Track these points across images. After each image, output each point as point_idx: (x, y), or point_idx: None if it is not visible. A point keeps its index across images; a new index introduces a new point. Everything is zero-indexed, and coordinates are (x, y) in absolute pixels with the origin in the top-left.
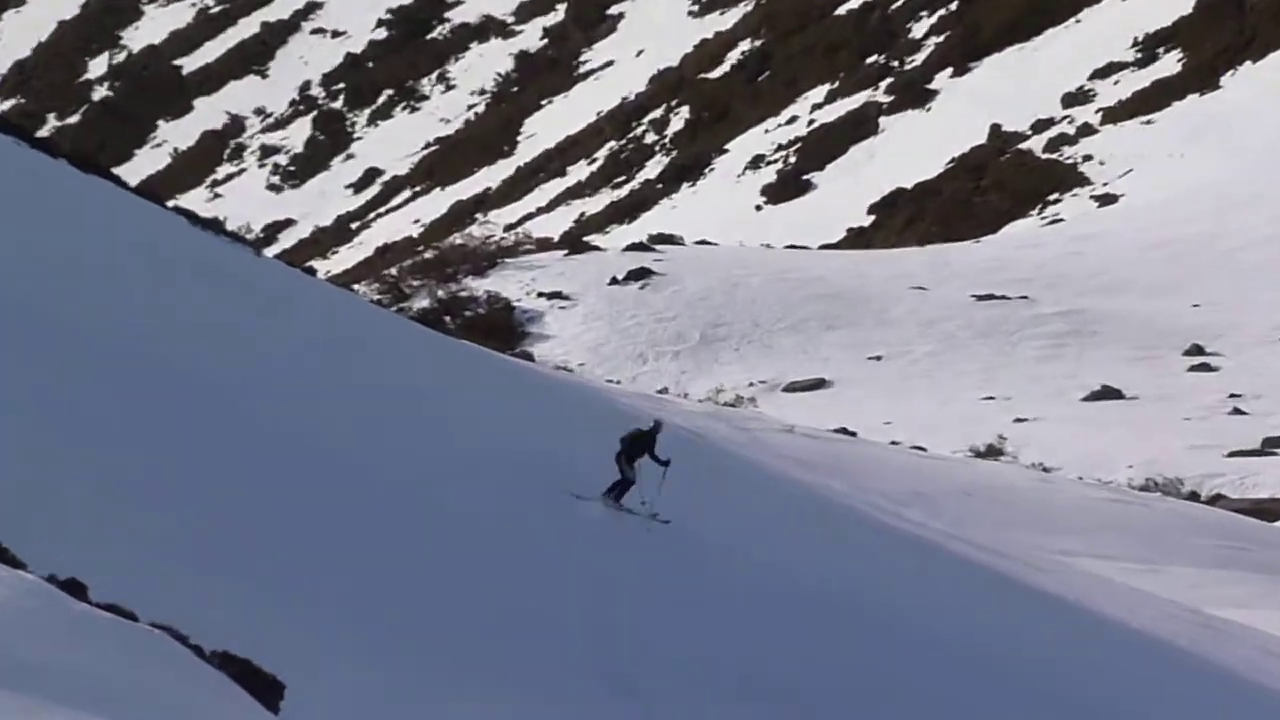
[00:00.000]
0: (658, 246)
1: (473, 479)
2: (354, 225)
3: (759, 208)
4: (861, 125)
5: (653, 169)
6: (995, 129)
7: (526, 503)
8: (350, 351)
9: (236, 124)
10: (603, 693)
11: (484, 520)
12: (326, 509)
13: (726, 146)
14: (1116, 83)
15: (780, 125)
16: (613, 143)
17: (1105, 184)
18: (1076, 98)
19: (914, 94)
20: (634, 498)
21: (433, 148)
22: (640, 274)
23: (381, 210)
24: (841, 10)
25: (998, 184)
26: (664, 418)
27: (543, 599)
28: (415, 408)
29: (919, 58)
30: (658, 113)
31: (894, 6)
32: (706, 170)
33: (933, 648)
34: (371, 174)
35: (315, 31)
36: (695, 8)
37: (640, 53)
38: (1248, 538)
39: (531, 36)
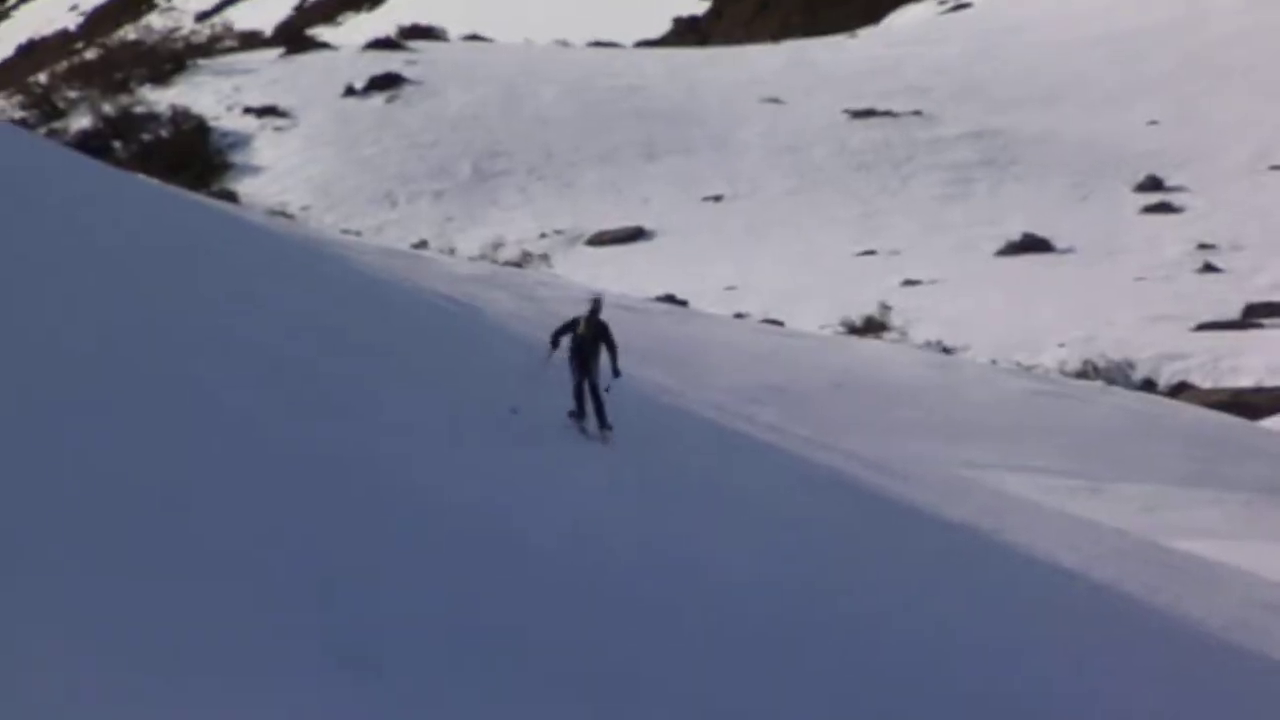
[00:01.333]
0: (410, 44)
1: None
2: None
3: None
4: None
5: None
6: None
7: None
8: None
9: None
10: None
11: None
12: None
13: None
14: None
15: None
16: None
17: None
18: None
19: None
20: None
21: None
22: (387, 82)
23: None
24: None
25: None
26: (600, 293)
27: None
28: (40, 292)
29: None
30: None
31: None
32: None
33: (770, 614)
34: None
35: None
36: None
37: None
38: (1223, 442)
39: None
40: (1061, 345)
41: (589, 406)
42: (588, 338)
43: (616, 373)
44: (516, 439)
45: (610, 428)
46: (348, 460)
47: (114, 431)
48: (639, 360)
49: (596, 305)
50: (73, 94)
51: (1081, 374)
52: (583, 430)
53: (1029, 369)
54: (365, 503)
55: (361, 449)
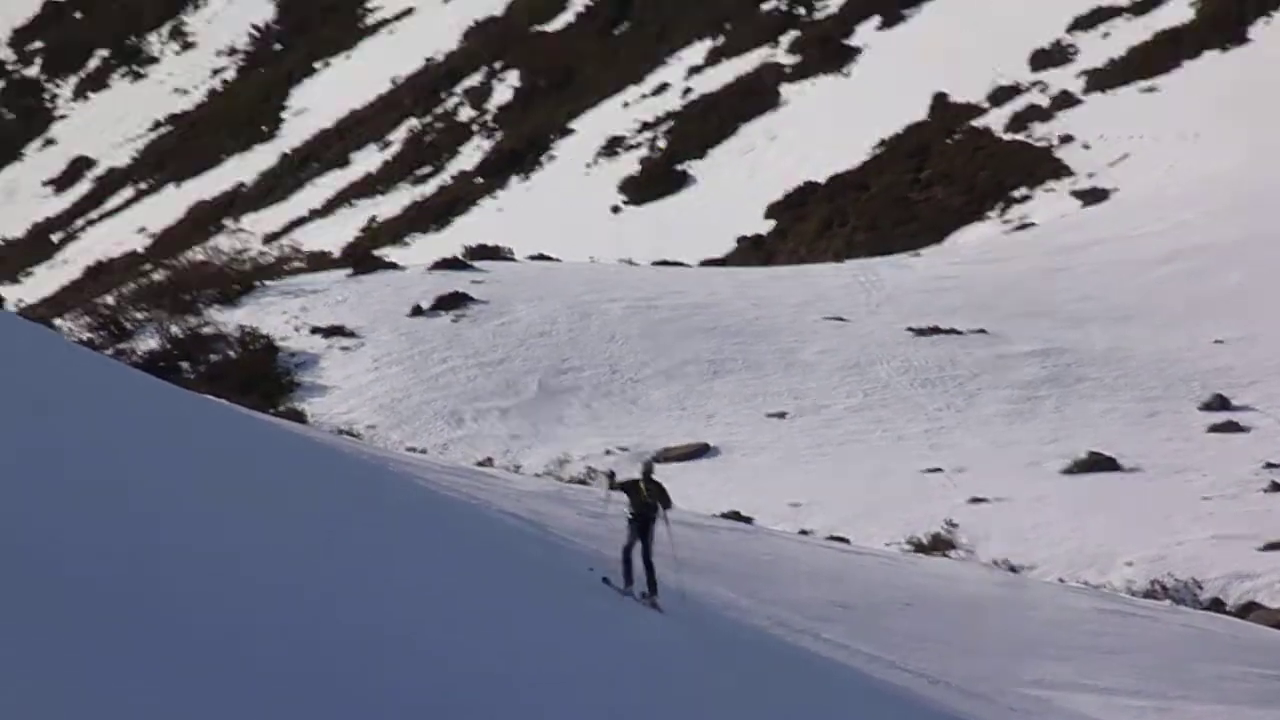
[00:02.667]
0: (478, 264)
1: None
2: (56, 236)
3: (617, 209)
4: (757, 96)
5: (470, 157)
6: (940, 100)
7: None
8: (36, 419)
9: None
10: None
11: None
12: None
13: (572, 126)
14: (1106, 35)
15: (645, 96)
16: (414, 120)
17: (1091, 175)
18: (1051, 56)
19: (829, 52)
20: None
21: (165, 129)
22: (454, 301)
23: (94, 216)
24: None
25: (945, 175)
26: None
27: None
28: (120, 506)
29: (834, 2)
30: (476, 79)
31: None
32: (544, 158)
33: None
34: (79, 165)
35: None
36: None
37: None
38: None
39: None
40: (1129, 564)
41: (639, 571)
42: (650, 502)
43: (668, 504)
44: (588, 665)
45: (657, 594)
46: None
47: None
48: (703, 575)
49: (649, 468)
50: (140, 315)
51: (1149, 593)
52: (626, 594)
53: (1096, 588)
54: None
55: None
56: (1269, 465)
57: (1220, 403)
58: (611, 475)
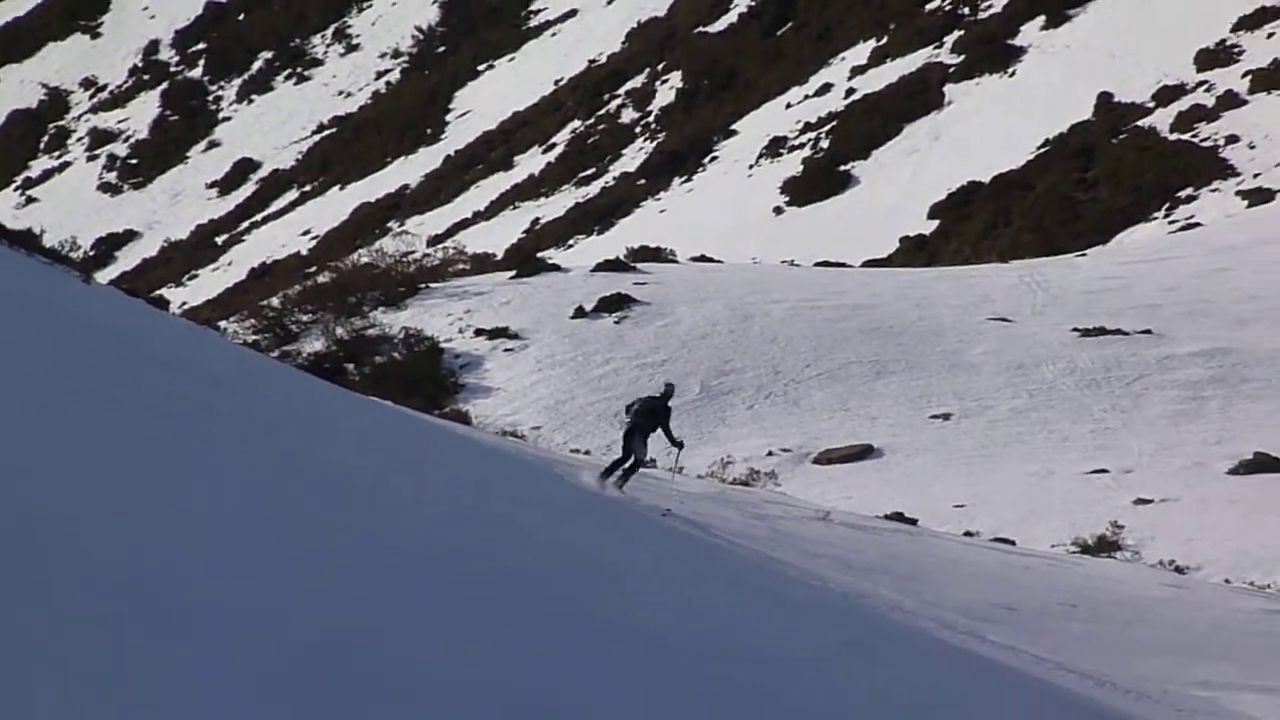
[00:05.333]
0: (640, 265)
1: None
2: (220, 239)
3: (779, 210)
4: (921, 96)
5: (633, 159)
6: (1105, 100)
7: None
8: (208, 420)
9: (58, 100)
10: None
11: None
12: None
13: (734, 127)
14: (1271, 35)
15: (808, 97)
16: (577, 122)
17: (1258, 175)
18: (1217, 56)
19: (993, 52)
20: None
21: (328, 131)
22: (617, 303)
23: (258, 218)
24: None
25: (1110, 175)
26: (672, 380)
27: None
28: (305, 504)
29: (998, 2)
30: (639, 80)
31: None
32: (707, 160)
33: None
34: (244, 168)
35: None
36: None
37: None
38: None
39: None
40: None
41: (613, 477)
42: (642, 414)
43: (674, 441)
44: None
45: (617, 485)
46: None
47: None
48: (868, 576)
49: (668, 391)
50: (305, 317)
51: None
52: (601, 486)
53: (1263, 588)
54: None
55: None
56: None
57: None
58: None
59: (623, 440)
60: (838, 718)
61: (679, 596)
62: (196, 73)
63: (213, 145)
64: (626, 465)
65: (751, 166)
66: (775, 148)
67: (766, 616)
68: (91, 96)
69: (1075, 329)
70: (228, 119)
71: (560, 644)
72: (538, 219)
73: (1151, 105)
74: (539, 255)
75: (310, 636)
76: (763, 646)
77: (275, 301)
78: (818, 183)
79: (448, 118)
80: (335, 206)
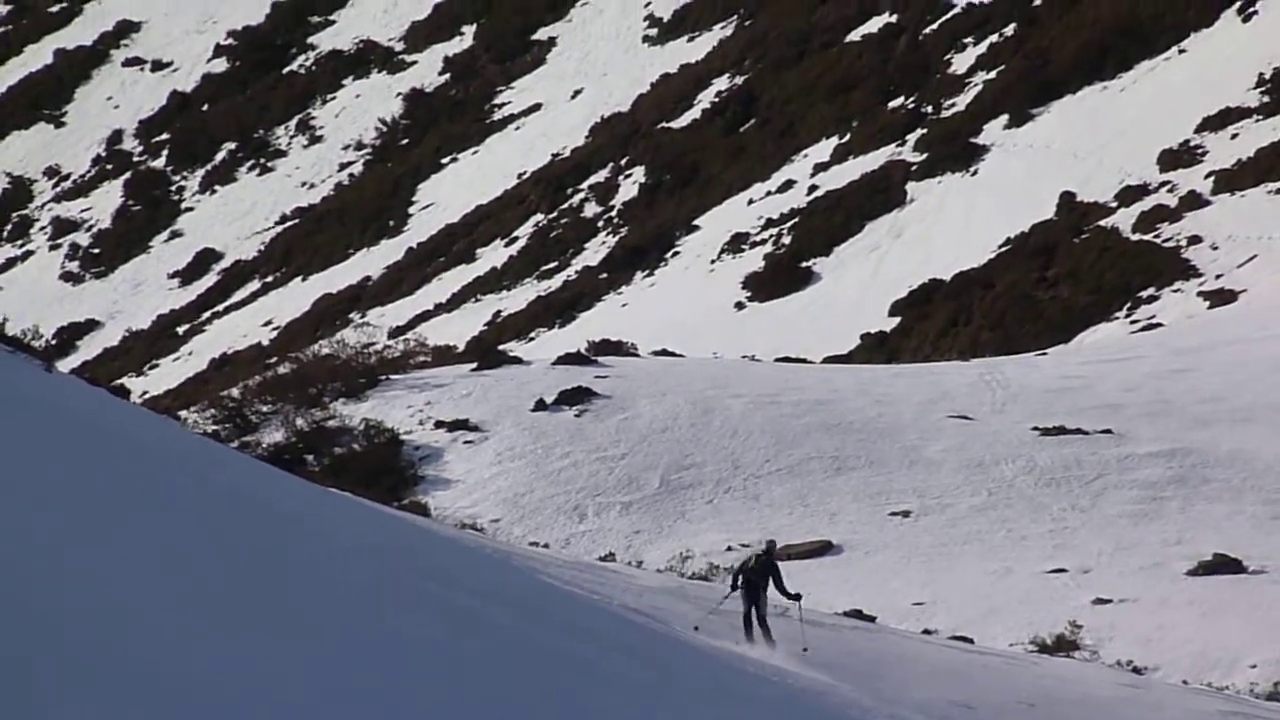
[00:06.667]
0: (601, 359)
1: None
2: (181, 328)
3: (740, 305)
4: (883, 193)
5: (595, 252)
6: (1067, 199)
7: None
8: (156, 513)
9: (21, 189)
10: None
11: None
12: None
13: (696, 222)
14: (1235, 136)
15: (770, 193)
16: (540, 216)
17: (1220, 275)
18: (1180, 157)
19: (956, 150)
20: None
21: (291, 222)
22: (577, 396)
23: (219, 308)
24: (856, 34)
25: (1071, 274)
26: (775, 539)
27: None
28: (247, 605)
29: (962, 101)
30: (602, 174)
31: (927, 30)
32: (669, 254)
33: None
34: (206, 258)
35: (129, 62)
36: (653, 31)
37: (577, 93)
38: None
39: (428, 69)
40: (1253, 666)
41: (755, 631)
42: (756, 572)
43: (789, 595)
44: None
45: (773, 641)
46: None
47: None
48: (825, 672)
49: (772, 547)
50: (265, 408)
51: (1273, 695)
52: (750, 641)
53: (1221, 690)
54: None
55: None
56: None
57: None
58: (732, 586)
59: (743, 597)
60: None
61: (647, 692)
62: (159, 162)
63: (175, 235)
64: (756, 618)
65: (713, 261)
66: (737, 243)
67: (732, 714)
68: (55, 185)
69: (1035, 427)
70: (190, 209)
71: None
72: (499, 311)
73: (1114, 205)
74: (500, 348)
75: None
76: None
77: (235, 392)
78: (780, 278)
79: (410, 209)
80: (297, 297)
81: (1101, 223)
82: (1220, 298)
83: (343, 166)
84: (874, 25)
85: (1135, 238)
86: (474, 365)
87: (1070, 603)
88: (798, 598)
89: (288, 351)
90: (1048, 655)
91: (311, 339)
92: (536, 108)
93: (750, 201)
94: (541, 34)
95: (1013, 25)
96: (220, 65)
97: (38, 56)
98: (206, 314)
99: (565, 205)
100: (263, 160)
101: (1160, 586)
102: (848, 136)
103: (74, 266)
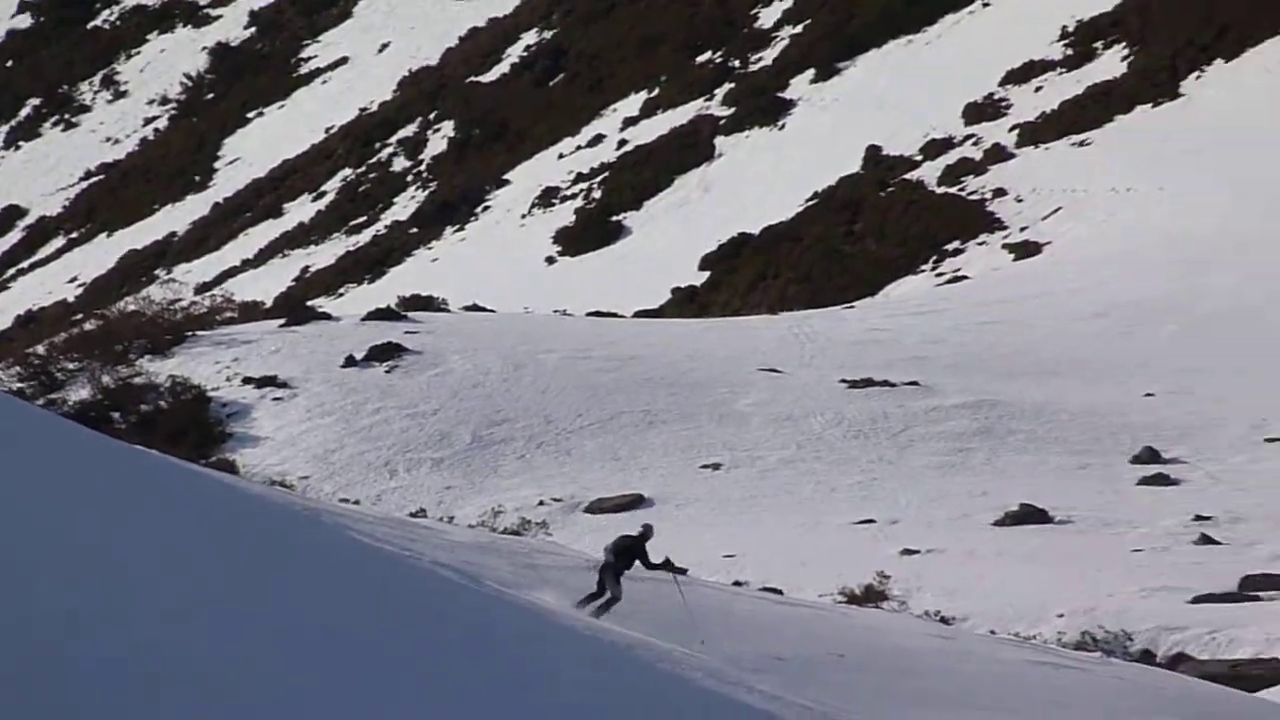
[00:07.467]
0: (412, 314)
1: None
2: None
3: (551, 260)
4: (692, 148)
5: (404, 207)
6: (873, 153)
7: None
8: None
9: None
10: None
11: None
12: None
13: (506, 176)
14: (1039, 89)
15: (580, 148)
16: (348, 170)
17: (1024, 228)
18: (984, 110)
19: (763, 105)
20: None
21: (96, 178)
22: (387, 352)
23: (24, 265)
24: None
25: (877, 228)
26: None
27: None
28: (42, 565)
29: (769, 55)
30: (410, 129)
31: None
32: (479, 209)
33: None
34: (10, 214)
35: None
36: None
37: (384, 46)
38: (1221, 715)
39: (233, 23)
40: (1060, 616)
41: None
42: (628, 558)
43: (657, 566)
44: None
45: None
46: None
47: None
48: (637, 625)
49: (646, 532)
50: (71, 365)
51: (1080, 645)
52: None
53: (1028, 639)
54: None
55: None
56: (1198, 518)
57: (1150, 455)
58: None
59: (598, 575)
60: None
61: (453, 645)
62: None
63: None
64: (601, 600)
65: (524, 216)
66: (547, 198)
67: (513, 668)
68: None
69: (843, 380)
70: None
71: None
72: (307, 267)
73: (919, 158)
74: (308, 303)
75: None
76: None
77: (41, 349)
78: (590, 233)
79: (216, 165)
80: (102, 254)
81: (907, 176)
82: (1025, 250)
83: (148, 122)
84: None
85: (940, 191)
86: (282, 321)
87: (879, 554)
88: (682, 571)
89: (94, 308)
90: (857, 606)
91: (117, 296)
92: (343, 61)
93: (560, 156)
94: None
95: None
96: (24, 21)
97: None
98: (11, 271)
99: (374, 160)
100: (67, 116)
101: (967, 537)
102: (656, 91)
103: None
